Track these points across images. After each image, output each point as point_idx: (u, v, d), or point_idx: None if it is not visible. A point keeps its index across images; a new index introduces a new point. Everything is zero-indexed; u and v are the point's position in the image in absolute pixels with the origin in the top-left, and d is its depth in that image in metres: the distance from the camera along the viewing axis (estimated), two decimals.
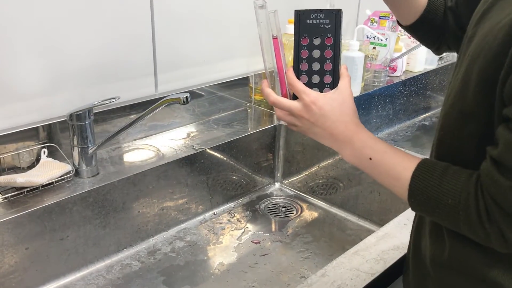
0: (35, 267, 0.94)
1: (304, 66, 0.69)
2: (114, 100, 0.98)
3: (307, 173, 1.35)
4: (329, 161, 1.30)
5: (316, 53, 0.68)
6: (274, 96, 0.70)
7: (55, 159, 1.03)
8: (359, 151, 0.66)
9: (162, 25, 1.20)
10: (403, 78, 1.77)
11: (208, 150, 1.19)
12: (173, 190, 1.14)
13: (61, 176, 0.98)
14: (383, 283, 0.81)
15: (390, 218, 0.95)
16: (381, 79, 1.68)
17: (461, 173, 0.59)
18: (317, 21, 0.66)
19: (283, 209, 1.28)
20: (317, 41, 0.67)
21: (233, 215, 1.24)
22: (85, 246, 1.01)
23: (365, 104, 1.63)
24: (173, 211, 1.15)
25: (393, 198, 1.16)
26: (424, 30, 0.84)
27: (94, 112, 1.05)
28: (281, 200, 1.32)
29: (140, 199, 1.08)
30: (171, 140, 1.23)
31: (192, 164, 1.17)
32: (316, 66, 0.68)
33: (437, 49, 0.88)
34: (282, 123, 1.36)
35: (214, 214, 1.23)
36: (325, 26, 0.66)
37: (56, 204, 0.94)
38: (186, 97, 0.95)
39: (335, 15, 0.66)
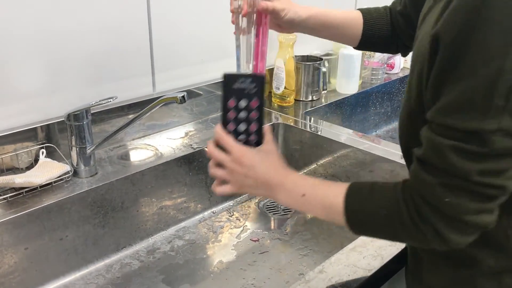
0: (34, 267, 0.95)
1: (231, 126, 0.72)
2: (111, 100, 0.98)
3: (305, 171, 1.35)
4: (327, 159, 1.30)
5: (243, 115, 0.71)
6: (211, 147, 0.73)
7: (53, 159, 1.03)
8: (292, 191, 0.69)
9: (159, 24, 1.20)
10: (400, 75, 1.77)
11: (206, 149, 1.19)
12: (172, 189, 1.15)
13: (59, 176, 0.99)
14: (381, 279, 0.81)
15: None
16: (379, 77, 1.68)
17: (387, 184, 0.62)
18: (244, 85, 0.70)
19: (281, 207, 1.28)
20: (243, 104, 0.71)
21: (232, 213, 1.24)
22: (84, 245, 1.01)
23: (363, 101, 1.64)
24: (172, 210, 1.16)
25: None
26: (374, 45, 0.94)
27: (92, 112, 1.05)
28: None
29: (139, 199, 1.08)
30: (169, 140, 1.23)
31: (190, 163, 1.17)
32: (242, 127, 0.72)
33: (403, 52, 0.95)
34: (280, 121, 1.37)
35: (213, 212, 1.24)
36: (250, 90, 0.70)
37: (55, 204, 0.95)
38: (183, 96, 0.96)
39: (260, 81, 0.70)
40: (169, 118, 1.28)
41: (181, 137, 1.25)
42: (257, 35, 0.81)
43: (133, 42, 1.17)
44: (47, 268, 0.97)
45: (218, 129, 0.72)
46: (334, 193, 0.65)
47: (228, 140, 0.70)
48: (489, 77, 0.51)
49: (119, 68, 1.16)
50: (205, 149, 1.19)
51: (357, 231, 0.66)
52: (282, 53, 1.44)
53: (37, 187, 0.96)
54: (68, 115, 0.99)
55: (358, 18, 0.92)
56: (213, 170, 0.73)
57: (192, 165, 1.17)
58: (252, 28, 0.82)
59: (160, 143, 1.21)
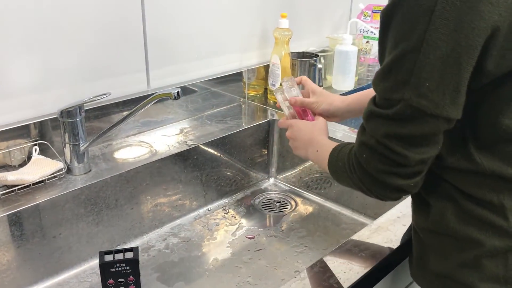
0: (27, 266, 0.94)
1: None
2: (105, 96, 0.97)
3: (301, 168, 1.35)
4: None
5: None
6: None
7: (46, 156, 1.02)
8: (312, 148, 0.89)
9: (154, 20, 1.19)
10: None
11: (201, 146, 1.19)
12: (167, 187, 1.14)
13: (52, 174, 0.98)
14: (376, 276, 0.81)
15: (384, 211, 0.95)
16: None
17: (352, 143, 0.75)
18: (120, 268, 0.86)
19: (277, 204, 1.27)
20: (121, 281, 0.87)
21: (227, 210, 1.24)
22: (78, 243, 1.00)
23: None
24: (167, 208, 1.15)
25: None
26: None
27: (86, 109, 1.04)
28: (276, 195, 1.32)
29: (133, 196, 1.07)
30: (164, 137, 1.22)
31: (185, 160, 1.16)
32: None
33: None
34: (275, 118, 1.36)
35: (208, 210, 1.23)
36: (126, 271, 0.86)
37: (48, 201, 0.94)
38: (178, 92, 0.95)
39: (134, 263, 0.86)
40: (164, 115, 1.27)
41: (176, 134, 1.24)
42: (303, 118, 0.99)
43: (127, 38, 1.16)
44: (40, 266, 0.96)
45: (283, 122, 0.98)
46: (328, 150, 0.81)
47: (290, 121, 0.96)
48: (397, 55, 0.60)
49: (113, 65, 1.15)
50: (201, 146, 1.18)
51: (333, 177, 0.80)
52: (277, 50, 1.44)
53: (30, 185, 0.95)
54: (61, 112, 0.98)
55: None
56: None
57: (187, 162, 1.17)
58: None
59: (154, 140, 1.20)
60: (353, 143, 0.74)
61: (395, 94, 0.61)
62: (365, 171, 0.68)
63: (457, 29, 0.56)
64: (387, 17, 0.62)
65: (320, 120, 0.94)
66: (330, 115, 0.98)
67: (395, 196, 0.69)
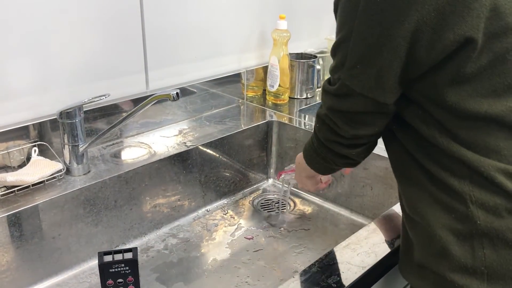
0: (27, 266, 0.94)
1: None
2: (104, 97, 0.98)
3: None
4: None
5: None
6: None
7: (46, 157, 1.03)
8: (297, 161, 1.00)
9: (152, 21, 1.20)
10: None
11: (200, 147, 1.19)
12: (166, 188, 1.14)
13: (52, 175, 0.98)
14: (374, 276, 0.81)
15: (382, 212, 0.95)
16: None
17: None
18: (119, 268, 0.86)
19: (276, 204, 1.28)
20: (120, 282, 0.88)
21: (226, 211, 1.24)
22: (77, 244, 1.01)
23: None
24: (165, 208, 1.15)
25: (385, 193, 1.16)
26: None
27: (85, 110, 1.05)
28: (274, 195, 1.32)
29: (132, 197, 1.08)
30: (163, 137, 1.22)
31: (184, 161, 1.16)
32: None
33: None
34: (274, 119, 1.36)
35: (207, 210, 1.23)
36: (125, 271, 0.87)
37: (47, 202, 0.94)
38: (177, 93, 0.95)
39: (133, 263, 0.86)
40: (162, 116, 1.28)
41: (175, 135, 1.24)
42: None
43: (126, 39, 1.16)
44: (39, 267, 0.96)
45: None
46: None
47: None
48: (337, 42, 0.71)
49: (112, 66, 1.16)
50: (200, 147, 1.19)
51: (308, 163, 0.90)
52: (276, 51, 1.44)
53: (29, 186, 0.95)
54: (61, 113, 0.99)
55: None
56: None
57: (186, 163, 1.17)
58: None
59: (153, 141, 1.20)
60: None
61: (336, 73, 0.72)
62: (318, 138, 0.82)
63: (380, 22, 0.64)
64: (335, 9, 0.73)
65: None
66: None
67: (344, 161, 0.83)
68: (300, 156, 0.96)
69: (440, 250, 0.68)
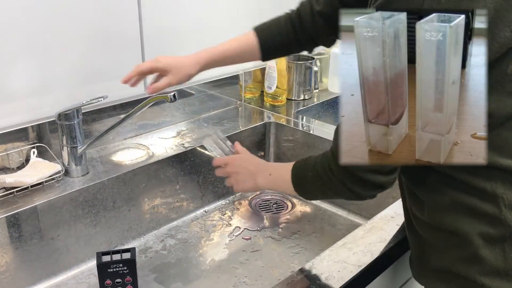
0: (26, 267, 0.95)
1: None
2: (102, 99, 0.99)
3: None
4: None
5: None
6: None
7: (45, 159, 1.03)
8: (264, 172, 0.92)
9: (150, 23, 1.20)
10: None
11: (198, 148, 1.20)
12: (164, 189, 1.15)
13: (50, 176, 0.99)
14: (370, 275, 0.82)
15: (379, 212, 0.96)
16: None
17: (316, 155, 0.78)
18: (117, 268, 0.87)
19: (274, 205, 1.28)
20: (118, 282, 0.88)
21: (224, 212, 1.24)
22: (76, 245, 1.01)
23: None
24: (164, 209, 1.16)
25: (382, 193, 1.16)
26: (278, 54, 1.05)
27: (84, 112, 1.05)
28: (272, 196, 1.33)
29: (130, 198, 1.08)
30: (161, 139, 1.23)
31: (182, 162, 1.17)
32: None
33: (309, 49, 1.02)
34: (272, 120, 1.37)
35: (205, 211, 1.24)
36: (124, 271, 0.88)
37: (46, 203, 0.95)
38: (174, 94, 0.96)
39: (131, 263, 0.87)
40: (161, 118, 1.29)
41: (173, 137, 1.25)
42: None
43: (124, 41, 1.17)
44: (38, 268, 0.97)
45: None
46: (287, 169, 0.83)
47: (226, 158, 1.00)
48: None
49: (110, 68, 1.16)
50: (198, 148, 1.19)
51: (302, 194, 0.83)
52: None
53: (28, 187, 0.96)
54: (59, 115, 0.99)
55: (252, 41, 0.99)
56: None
57: (184, 164, 1.18)
58: None
59: (152, 143, 1.21)
60: (313, 155, 0.79)
61: None
62: (347, 171, 0.71)
63: None
64: None
65: (246, 155, 1.01)
66: (190, 78, 0.99)
67: (374, 193, 0.74)
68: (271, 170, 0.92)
69: (469, 255, 0.68)
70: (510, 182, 0.65)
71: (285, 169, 0.84)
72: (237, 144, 1.05)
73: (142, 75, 0.96)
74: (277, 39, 0.99)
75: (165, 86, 0.94)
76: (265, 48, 0.99)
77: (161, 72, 0.96)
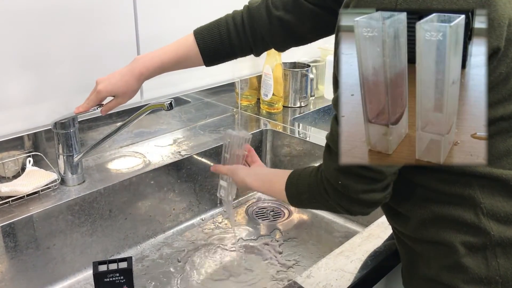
0: (21, 277, 0.94)
1: None
2: (98, 108, 0.98)
3: None
4: (315, 165, 1.31)
5: None
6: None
7: (40, 167, 1.03)
8: (256, 175, 0.92)
9: (146, 31, 1.21)
10: None
11: (195, 156, 1.20)
12: (160, 197, 1.14)
13: (46, 185, 0.98)
14: (368, 283, 0.82)
15: (376, 219, 0.96)
16: None
17: (310, 168, 0.77)
18: (114, 278, 0.86)
19: (270, 213, 1.28)
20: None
21: (220, 220, 1.24)
22: (72, 254, 1.01)
23: None
24: (160, 218, 1.16)
25: None
26: (220, 59, 1.03)
27: (79, 120, 1.05)
28: (269, 204, 1.33)
29: (127, 206, 1.08)
30: (157, 147, 1.23)
31: (179, 170, 1.17)
32: None
33: (256, 52, 1.00)
34: (268, 127, 1.37)
35: (202, 220, 1.24)
36: (120, 280, 0.87)
37: (42, 212, 0.94)
38: (170, 103, 0.96)
39: (128, 273, 0.87)
40: (157, 126, 1.28)
41: (169, 144, 1.25)
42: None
43: (119, 49, 1.17)
44: (34, 277, 0.96)
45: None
46: (282, 175, 0.82)
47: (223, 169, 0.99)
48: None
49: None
50: (194, 156, 1.19)
51: (293, 204, 0.82)
52: (270, 60, 1.45)
53: (23, 196, 0.95)
54: (55, 123, 0.99)
55: (192, 45, 0.99)
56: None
57: (181, 172, 1.17)
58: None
59: (148, 151, 1.21)
60: (306, 170, 0.77)
61: None
62: (343, 195, 0.69)
63: None
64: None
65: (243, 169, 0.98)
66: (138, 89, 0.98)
67: (371, 210, 0.71)
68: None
69: (453, 264, 0.68)
70: (488, 190, 0.65)
71: (282, 175, 0.83)
72: (249, 149, 1.00)
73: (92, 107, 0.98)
74: (218, 42, 0.98)
75: (116, 105, 0.97)
76: (206, 53, 0.99)
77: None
